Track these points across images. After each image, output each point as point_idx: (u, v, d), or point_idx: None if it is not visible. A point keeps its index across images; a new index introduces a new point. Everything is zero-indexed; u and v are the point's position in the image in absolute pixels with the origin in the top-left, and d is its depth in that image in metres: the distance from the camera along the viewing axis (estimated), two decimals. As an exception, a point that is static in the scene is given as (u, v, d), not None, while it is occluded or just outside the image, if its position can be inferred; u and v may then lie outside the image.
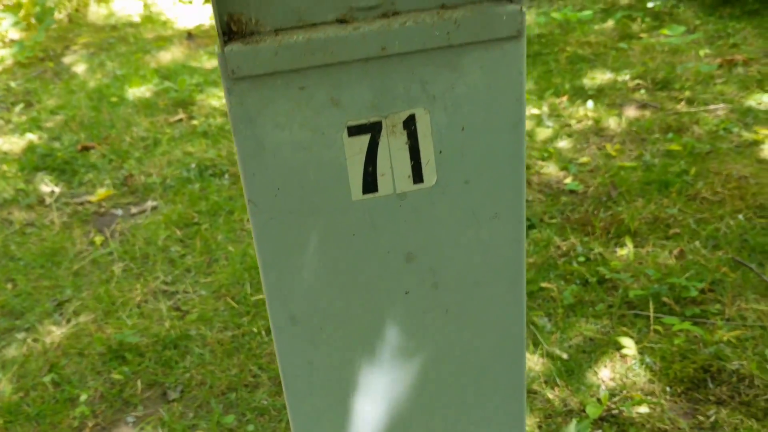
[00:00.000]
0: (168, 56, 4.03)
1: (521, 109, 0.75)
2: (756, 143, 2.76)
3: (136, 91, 3.60)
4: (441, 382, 0.90)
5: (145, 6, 4.68)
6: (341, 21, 0.71)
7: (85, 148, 3.13)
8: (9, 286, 2.35)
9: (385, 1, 0.72)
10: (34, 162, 3.05)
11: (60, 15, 4.55)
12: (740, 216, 2.39)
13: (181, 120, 3.32)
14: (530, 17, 4.03)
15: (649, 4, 3.90)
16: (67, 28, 4.55)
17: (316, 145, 0.64)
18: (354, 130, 0.72)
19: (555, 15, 3.95)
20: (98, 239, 2.54)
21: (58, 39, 4.38)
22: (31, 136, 3.26)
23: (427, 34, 0.70)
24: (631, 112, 3.06)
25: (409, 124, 0.73)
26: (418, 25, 0.69)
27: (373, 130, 0.72)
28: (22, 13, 4.26)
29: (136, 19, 4.63)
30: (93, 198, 2.78)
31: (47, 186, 2.88)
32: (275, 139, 0.72)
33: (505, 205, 0.81)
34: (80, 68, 3.98)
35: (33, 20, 4.32)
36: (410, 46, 0.70)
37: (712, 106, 3.02)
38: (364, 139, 0.72)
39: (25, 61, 4.05)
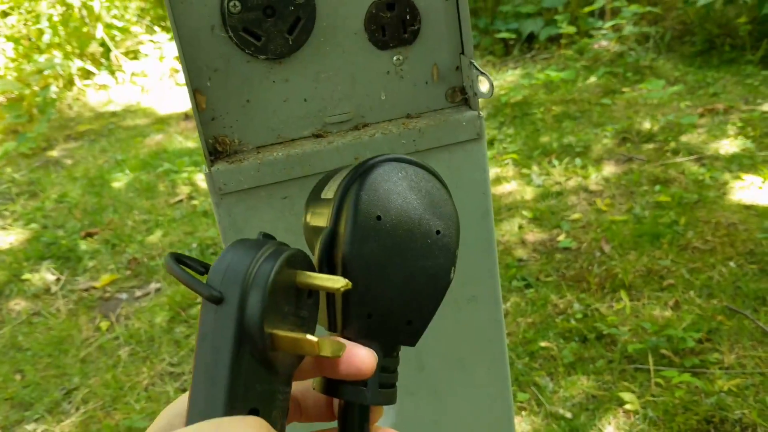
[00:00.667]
0: (166, 138, 4.15)
1: (487, 201, 0.81)
2: (742, 189, 2.83)
3: (137, 175, 3.70)
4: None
5: (143, 90, 4.83)
6: (317, 135, 0.78)
7: (89, 235, 3.20)
8: (17, 377, 2.38)
9: (356, 115, 0.79)
10: (39, 251, 3.12)
11: (61, 104, 4.70)
12: (731, 263, 2.44)
13: (181, 201, 3.41)
14: (514, 79, 4.16)
15: (629, 60, 4.02)
16: (68, 116, 4.69)
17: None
18: (335, 231, 0.78)
19: (539, 76, 4.07)
20: (104, 324, 2.59)
21: (59, 128, 4.51)
22: (35, 226, 3.34)
23: (394, 143, 0.76)
24: (618, 166, 3.14)
25: (386, 222, 0.79)
26: (386, 135, 0.76)
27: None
28: (24, 105, 4.40)
29: (134, 103, 4.77)
30: (97, 284, 2.84)
31: (52, 274, 2.94)
32: (262, 245, 0.79)
33: (482, 288, 0.87)
34: (82, 155, 4.09)
35: (35, 110, 4.46)
36: (380, 154, 0.77)
37: (696, 156, 3.10)
38: (345, 239, 0.78)
39: (29, 152, 4.17)
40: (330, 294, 0.45)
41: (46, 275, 2.94)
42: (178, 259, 0.41)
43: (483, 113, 0.78)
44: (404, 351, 0.48)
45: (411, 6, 0.75)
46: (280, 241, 0.43)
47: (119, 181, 3.67)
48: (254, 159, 0.74)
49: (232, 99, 0.74)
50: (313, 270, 0.43)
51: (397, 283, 0.44)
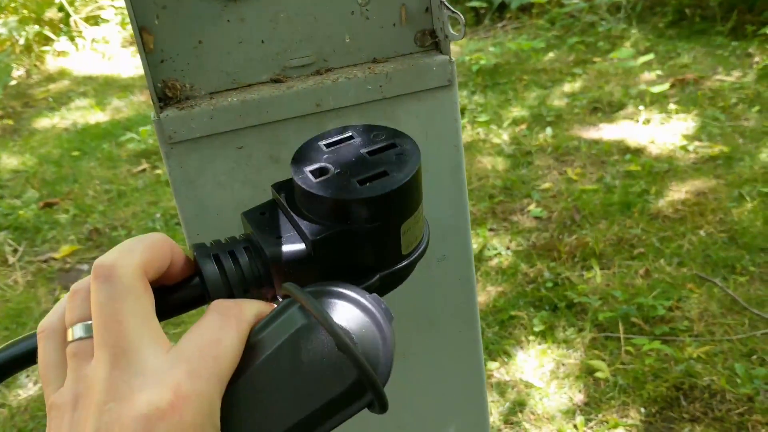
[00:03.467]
0: (129, 106, 4.02)
1: (459, 154, 0.76)
2: (712, 159, 2.82)
3: (98, 144, 3.59)
4: (401, 430, 0.90)
5: (104, 57, 4.68)
6: (275, 81, 0.72)
7: (48, 205, 3.10)
8: (-27, 351, 2.30)
9: (318, 59, 0.73)
10: (-5, 222, 3.01)
11: (18, 71, 4.53)
12: (701, 232, 2.44)
13: (144, 170, 3.31)
14: (485, 48, 4.10)
15: (600, 29, 3.99)
16: (26, 84, 4.53)
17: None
18: (295, 184, 0.72)
19: (510, 45, 4.02)
20: (63, 296, 2.50)
21: (16, 96, 4.35)
22: (-8, 196, 3.22)
23: (360, 89, 0.71)
24: (589, 135, 3.12)
25: (350, 175, 0.74)
26: (350, 80, 0.71)
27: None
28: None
29: (95, 71, 4.62)
30: (57, 255, 2.75)
31: (9, 245, 2.84)
32: (217, 199, 0.73)
33: (452, 247, 0.82)
34: (40, 124, 3.95)
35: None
36: (344, 101, 0.71)
37: (666, 125, 3.08)
38: (307, 193, 0.73)
39: (-16, 120, 4.02)
40: None
41: (2, 246, 2.84)
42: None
43: (453, 58, 0.72)
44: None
45: (377, -61, 0.69)
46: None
47: (79, 150, 3.55)
48: (207, 105, 0.68)
49: (182, 39, 0.68)
50: None
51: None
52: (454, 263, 0.82)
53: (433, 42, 0.74)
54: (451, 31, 0.69)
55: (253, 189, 0.72)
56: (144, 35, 0.67)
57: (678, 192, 2.66)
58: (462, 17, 0.66)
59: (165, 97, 0.70)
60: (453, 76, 0.72)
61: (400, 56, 0.74)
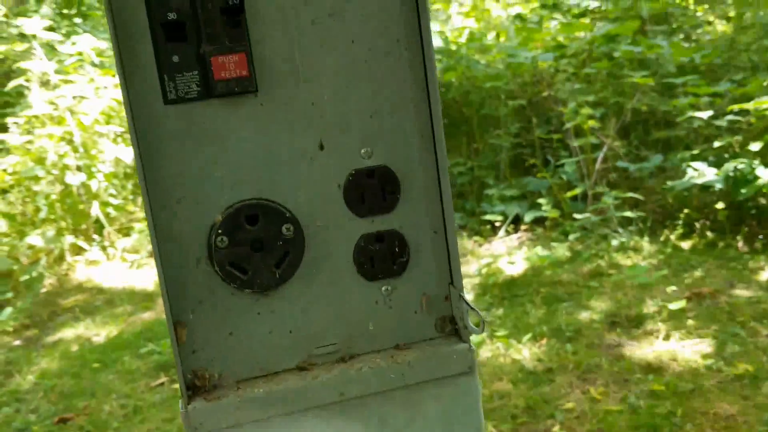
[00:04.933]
0: (152, 317, 4.10)
1: (481, 438, 0.77)
2: (738, 378, 2.77)
3: (119, 356, 3.61)
4: None
5: (132, 266, 4.85)
6: (301, 368, 0.75)
7: (62, 420, 3.06)
8: None
9: (343, 346, 0.76)
10: (8, 439, 2.96)
11: (49, 279, 4.69)
12: (735, 460, 2.33)
13: (162, 384, 3.29)
14: (501, 260, 4.21)
15: (614, 242, 4.11)
16: (55, 292, 4.66)
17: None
18: (317, 472, 0.73)
19: (525, 257, 4.13)
20: None
21: (44, 303, 4.46)
22: (8, 410, 3.19)
23: (382, 378, 0.73)
24: (610, 351, 3.10)
25: (372, 460, 0.74)
26: (373, 370, 0.73)
27: (336, 471, 0.73)
28: (12, 280, 4.38)
29: (123, 280, 4.77)
30: (66, 478, 2.66)
31: (19, 466, 2.77)
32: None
33: None
34: (65, 334, 4.01)
35: (22, 286, 4.43)
36: (367, 390, 0.73)
37: (687, 342, 3.07)
38: (328, 480, 0.73)
39: (10, 329, 4.09)
40: None
41: (11, 467, 2.76)
42: None
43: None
44: None
45: (400, 239, 0.75)
46: None
47: (100, 362, 3.57)
48: (234, 396, 0.70)
49: (214, 331, 0.72)
50: None
51: None
52: None
53: (452, 328, 0.78)
54: (472, 326, 0.73)
55: (275, 478, 0.73)
56: (178, 329, 0.72)
57: (706, 415, 2.58)
58: (482, 315, 0.70)
59: (194, 386, 0.72)
60: (473, 363, 0.75)
61: (422, 342, 0.77)
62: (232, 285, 0.72)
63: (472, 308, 0.72)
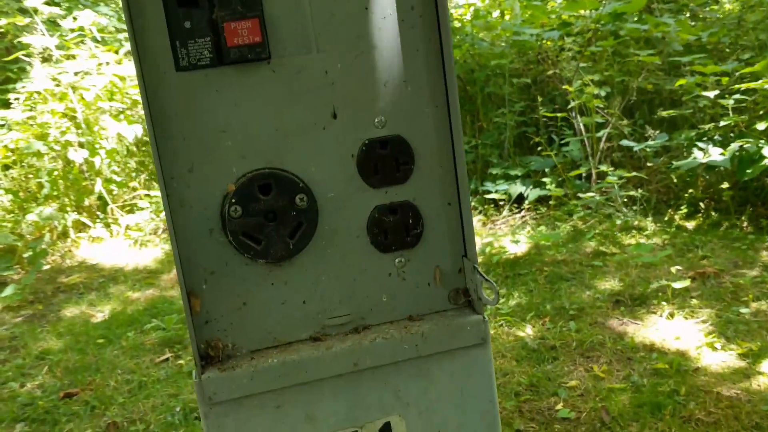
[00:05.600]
0: (157, 293, 4.10)
1: (494, 409, 0.77)
2: (741, 357, 2.77)
3: (124, 332, 3.62)
4: None
5: (135, 243, 4.85)
6: (315, 339, 0.75)
7: (68, 395, 3.07)
8: None
9: (356, 317, 0.76)
10: (13, 412, 2.97)
11: (53, 256, 4.69)
12: (738, 438, 2.34)
13: (167, 360, 3.31)
14: (505, 239, 4.21)
15: (618, 222, 4.10)
16: (59, 269, 4.67)
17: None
18: (330, 442, 0.73)
19: (530, 236, 4.12)
20: (75, 499, 2.41)
21: (48, 280, 4.47)
22: (14, 385, 3.21)
23: (396, 349, 0.73)
24: (613, 330, 3.10)
25: (386, 431, 0.74)
26: (387, 340, 0.73)
27: (350, 441, 0.73)
28: (15, 256, 4.39)
29: (127, 257, 4.77)
30: (72, 451, 2.68)
31: (26, 440, 2.78)
32: (252, 458, 0.73)
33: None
34: (69, 310, 4.02)
35: (26, 262, 4.44)
36: (381, 361, 0.73)
37: (691, 321, 3.07)
38: (341, 450, 0.73)
39: (14, 305, 4.10)
40: None
41: (18, 440, 2.78)
42: None
43: (486, 317, 0.75)
44: None
45: (414, 210, 0.74)
46: None
47: (105, 338, 3.58)
48: (248, 366, 0.70)
49: (227, 302, 0.72)
50: None
51: None
52: None
53: (466, 300, 0.77)
54: (485, 296, 0.72)
55: (289, 447, 0.73)
56: (192, 299, 0.71)
57: (709, 393, 2.59)
58: (496, 286, 0.70)
59: (208, 356, 0.72)
60: (487, 334, 0.75)
61: (435, 313, 0.77)
62: (245, 255, 0.71)
63: (486, 279, 0.71)
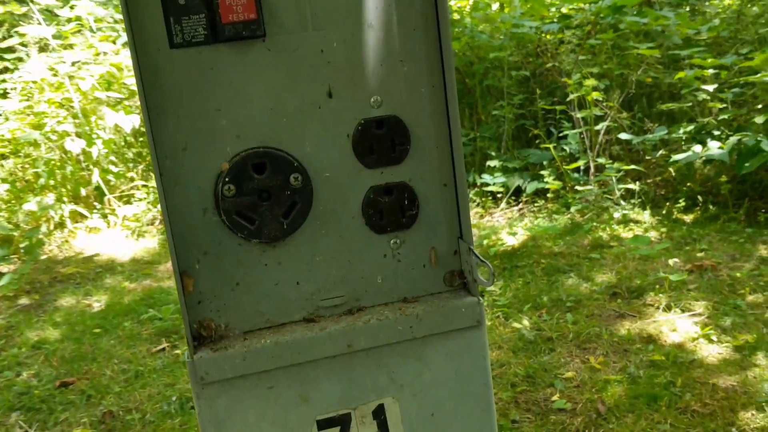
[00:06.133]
0: (153, 283, 4.10)
1: (488, 392, 0.76)
2: (738, 349, 2.77)
3: (120, 322, 3.62)
4: None
5: (133, 233, 4.84)
6: (309, 320, 0.74)
7: (64, 384, 3.07)
8: None
9: (351, 298, 0.75)
10: (9, 401, 2.97)
11: (50, 246, 4.68)
12: (734, 429, 2.34)
13: (164, 349, 3.30)
14: (503, 231, 4.20)
15: (615, 215, 4.10)
16: (55, 259, 4.66)
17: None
18: (323, 424, 0.72)
19: (527, 228, 4.12)
20: (70, 488, 2.41)
21: (45, 270, 4.46)
22: (9, 374, 3.21)
23: (390, 330, 0.73)
24: (610, 322, 3.10)
25: (379, 413, 0.74)
26: (381, 322, 0.72)
27: (343, 422, 0.73)
28: (11, 246, 4.38)
29: (124, 247, 4.76)
30: (68, 440, 2.68)
31: (21, 428, 2.78)
32: (245, 439, 0.72)
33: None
34: (66, 300, 4.01)
35: (22, 251, 4.43)
36: (375, 342, 0.73)
37: (688, 313, 3.07)
38: (335, 432, 0.72)
39: (11, 294, 4.09)
40: None
41: (14, 429, 2.78)
42: None
43: (482, 300, 0.75)
44: None
45: (410, 191, 0.74)
46: None
47: (101, 328, 3.57)
48: (241, 346, 0.70)
49: (221, 282, 0.71)
50: None
51: None
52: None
53: (461, 282, 0.77)
54: (481, 278, 0.72)
55: (281, 429, 0.72)
56: (184, 279, 0.71)
57: (705, 384, 2.59)
58: (491, 267, 0.69)
59: (200, 336, 0.72)
60: (482, 316, 0.74)
61: (430, 295, 0.76)
62: (239, 235, 0.70)
63: (482, 261, 0.71)
